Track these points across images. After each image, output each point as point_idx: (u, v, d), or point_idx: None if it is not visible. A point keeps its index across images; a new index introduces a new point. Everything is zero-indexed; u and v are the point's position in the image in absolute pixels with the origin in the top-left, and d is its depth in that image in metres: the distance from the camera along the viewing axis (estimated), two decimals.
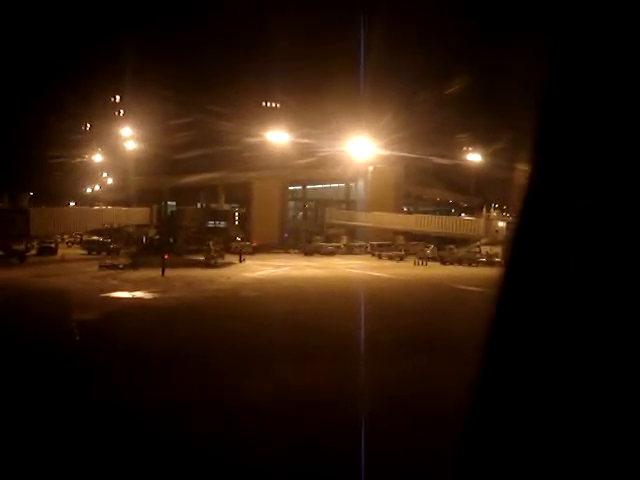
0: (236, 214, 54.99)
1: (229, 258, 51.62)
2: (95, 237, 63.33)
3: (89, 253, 57.45)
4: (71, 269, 41.92)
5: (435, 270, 46.54)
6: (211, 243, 53.06)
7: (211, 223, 53.76)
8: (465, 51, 66.99)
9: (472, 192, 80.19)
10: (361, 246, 67.79)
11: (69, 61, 72.59)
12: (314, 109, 72.08)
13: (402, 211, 79.54)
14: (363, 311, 21.83)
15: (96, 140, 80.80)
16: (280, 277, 38.14)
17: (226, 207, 59.43)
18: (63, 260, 50.16)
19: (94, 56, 72.40)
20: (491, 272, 43.44)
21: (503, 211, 67.01)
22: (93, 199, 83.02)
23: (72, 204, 78.91)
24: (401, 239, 70.47)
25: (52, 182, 73.80)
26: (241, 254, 52.51)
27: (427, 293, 30.42)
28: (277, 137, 66.80)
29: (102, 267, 43.10)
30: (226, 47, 76.74)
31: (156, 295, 28.66)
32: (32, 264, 46.51)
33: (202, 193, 64.99)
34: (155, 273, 37.77)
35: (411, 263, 53.06)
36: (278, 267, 46.04)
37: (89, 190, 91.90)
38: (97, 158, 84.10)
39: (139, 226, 63.93)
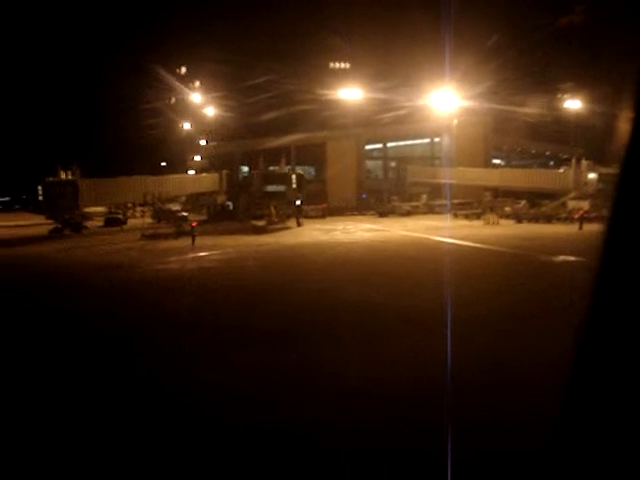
0: (293, 177, 52.55)
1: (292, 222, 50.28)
2: (171, 205, 63.24)
3: (159, 222, 57.19)
4: (114, 241, 41.23)
5: (499, 230, 42.60)
6: (272, 207, 51.36)
7: (272, 187, 51.49)
8: None
9: (572, 143, 73.98)
10: (442, 205, 63.94)
11: (141, 33, 71.91)
12: (391, 62, 68.59)
13: (491, 166, 74.47)
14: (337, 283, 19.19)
15: (181, 110, 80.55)
16: (313, 244, 35.59)
17: (290, 169, 57.00)
18: (122, 231, 50.05)
19: (168, 25, 71.76)
20: (560, 231, 39.62)
21: (599, 162, 61.26)
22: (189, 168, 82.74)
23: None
24: (488, 195, 66.27)
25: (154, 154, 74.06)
26: (298, 218, 50.71)
27: (453, 259, 27.07)
28: (351, 94, 63.94)
29: (144, 237, 42.22)
30: (295, 6, 73.80)
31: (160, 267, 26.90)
32: (84, 236, 46.51)
33: (274, 156, 63.00)
34: (197, 241, 36.29)
35: (487, 222, 49.33)
36: (330, 232, 43.65)
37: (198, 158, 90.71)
38: (186, 126, 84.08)
39: (204, 193, 62.95)
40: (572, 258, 23.32)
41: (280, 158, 58.84)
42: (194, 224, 38.86)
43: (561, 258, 24.53)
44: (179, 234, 41.13)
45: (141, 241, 40.39)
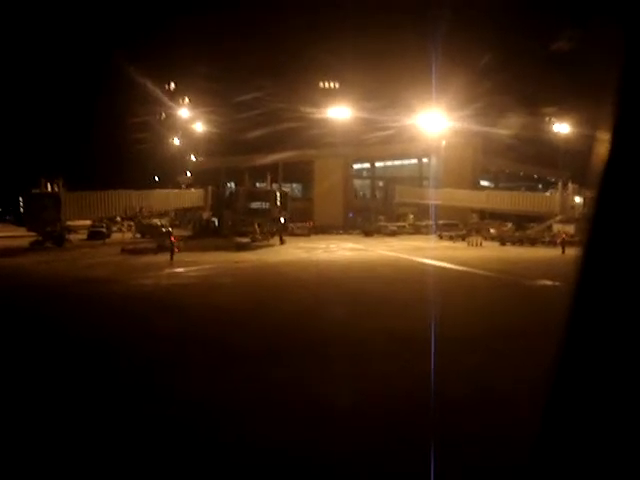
0: (277, 194, 52.46)
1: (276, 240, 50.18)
2: (157, 220, 63.10)
3: (143, 237, 56.90)
4: (93, 255, 40.88)
5: (481, 252, 42.44)
6: (256, 225, 51.20)
7: (256, 204, 51.44)
8: (546, 15, 61.95)
9: (560, 166, 74.15)
10: (428, 225, 63.95)
11: (131, 48, 71.92)
12: (381, 82, 68.66)
13: (479, 187, 74.54)
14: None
15: (170, 125, 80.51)
16: (292, 262, 35.38)
17: (275, 187, 57.00)
18: (104, 245, 49.71)
19: (158, 41, 71.80)
20: (543, 254, 39.52)
21: (585, 186, 61.43)
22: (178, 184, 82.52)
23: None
24: (474, 217, 66.43)
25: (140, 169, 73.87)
26: (282, 236, 50.52)
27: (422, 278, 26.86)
28: (340, 113, 64.02)
29: (124, 251, 41.88)
30: (286, 25, 73.86)
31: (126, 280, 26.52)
32: (65, 249, 46.06)
33: (262, 173, 62.87)
34: (177, 257, 36.04)
35: (471, 243, 49.32)
36: (311, 250, 43.47)
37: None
38: (176, 142, 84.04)
39: (191, 208, 62.78)
40: (547, 282, 23.16)
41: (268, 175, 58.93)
42: (173, 239, 38.48)
43: (536, 282, 24.35)
44: (160, 249, 40.74)
45: (120, 256, 40.01)
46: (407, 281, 25.40)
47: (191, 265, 32.82)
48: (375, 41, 69.42)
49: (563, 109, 68.24)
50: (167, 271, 30.44)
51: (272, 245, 48.52)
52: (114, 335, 13.86)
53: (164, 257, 36.52)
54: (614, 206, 1.66)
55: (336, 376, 10.01)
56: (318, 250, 43.35)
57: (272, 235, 51.72)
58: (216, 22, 69.17)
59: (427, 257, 35.94)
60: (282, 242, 49.67)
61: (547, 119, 70.49)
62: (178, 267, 32.05)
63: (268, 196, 52.10)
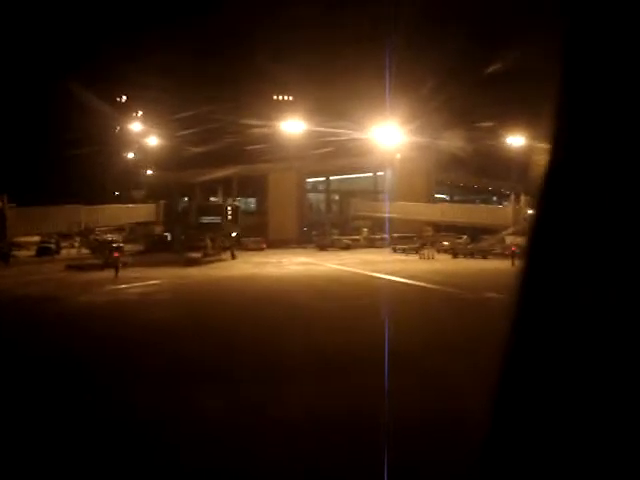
0: (229, 208, 52.04)
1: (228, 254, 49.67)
2: (110, 236, 62.21)
3: (93, 252, 55.85)
4: (37, 271, 39.89)
5: (431, 265, 42.45)
6: (208, 239, 50.65)
7: (207, 219, 50.94)
8: (497, 29, 62.65)
9: (514, 178, 74.86)
10: (383, 239, 63.94)
11: (81, 60, 70.86)
12: (335, 95, 68.67)
13: (434, 200, 74.85)
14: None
15: (124, 140, 79.38)
16: (238, 277, 35.06)
17: (226, 201, 56.64)
18: (52, 261, 48.63)
19: (111, 54, 70.88)
20: (492, 266, 39.58)
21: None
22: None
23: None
24: (429, 230, 66.64)
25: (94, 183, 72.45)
26: (233, 251, 49.99)
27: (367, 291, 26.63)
28: (293, 127, 63.77)
29: (70, 267, 40.98)
30: (239, 39, 73.68)
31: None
32: (9, 266, 44.90)
33: (215, 187, 62.46)
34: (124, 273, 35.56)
35: (423, 256, 49.31)
36: (262, 265, 43.04)
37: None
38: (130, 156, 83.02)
39: (146, 223, 61.97)
40: (492, 294, 22.99)
41: (223, 189, 58.60)
42: (116, 255, 37.81)
43: (480, 294, 24.23)
44: (106, 265, 39.93)
45: (64, 272, 39.12)
46: (350, 295, 25.14)
47: (134, 281, 32.19)
48: (329, 54, 69.55)
49: (516, 122, 68.87)
50: (108, 288, 29.81)
51: (223, 260, 47.97)
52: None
53: (109, 273, 35.87)
54: (552, 216, 1.68)
55: (241, 398, 9.61)
56: (268, 265, 42.92)
57: (224, 250, 51.15)
58: (168, 35, 68.57)
59: (376, 270, 35.77)
60: (233, 257, 49.13)
61: (501, 132, 71.05)
62: (120, 284, 31.45)
63: (219, 210, 51.67)
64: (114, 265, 36.63)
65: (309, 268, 40.07)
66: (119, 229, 68.98)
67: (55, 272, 38.88)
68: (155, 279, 33.35)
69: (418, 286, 28.07)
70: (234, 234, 52.68)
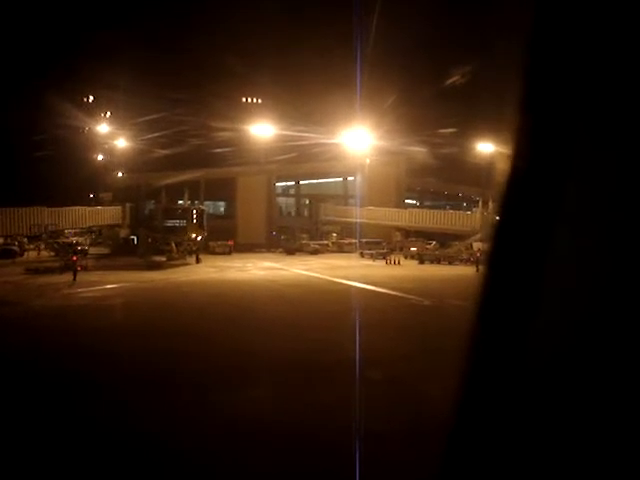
0: (194, 212, 51.50)
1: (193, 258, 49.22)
2: (75, 239, 61.34)
3: (57, 255, 54.96)
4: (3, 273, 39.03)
5: (396, 271, 42.37)
6: (173, 243, 50.07)
7: (172, 222, 50.37)
8: (467, 37, 62.96)
9: (483, 184, 75.03)
10: (352, 244, 63.62)
11: (52, 59, 69.85)
12: (305, 99, 68.55)
13: (404, 206, 74.64)
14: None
15: (92, 141, 78.39)
16: (199, 281, 34.70)
17: (192, 205, 56.09)
18: (12, 264, 47.63)
19: (77, 54, 70.08)
20: (457, 272, 39.54)
21: None
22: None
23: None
24: (398, 235, 66.52)
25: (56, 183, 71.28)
26: (197, 255, 49.39)
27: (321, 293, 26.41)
28: (262, 130, 63.30)
29: (29, 270, 40.15)
30: (209, 41, 73.21)
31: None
32: None
33: (184, 191, 61.66)
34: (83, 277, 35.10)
35: (389, 262, 49.19)
36: (225, 269, 42.61)
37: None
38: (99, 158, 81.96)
39: (113, 226, 61.14)
40: (453, 301, 22.77)
41: (190, 192, 58.02)
42: (75, 258, 37.17)
43: (439, 301, 24.13)
44: (65, 268, 39.18)
45: (22, 275, 38.31)
46: (308, 300, 25.00)
47: (92, 285, 31.69)
48: (299, 57, 69.39)
49: (487, 128, 69.05)
50: (63, 292, 29.35)
51: (187, 264, 47.34)
52: None
53: (68, 277, 35.26)
54: (512, 222, 1.69)
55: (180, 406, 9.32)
56: (232, 269, 42.45)
57: (190, 254, 50.53)
58: (136, 36, 68.00)
59: (338, 276, 35.53)
60: (198, 261, 48.48)
61: (472, 138, 71.17)
62: (77, 287, 31.12)
63: (184, 214, 51.06)
64: (73, 268, 36.02)
65: (274, 273, 39.72)
66: (88, 232, 68.16)
67: (13, 275, 38.02)
68: (113, 283, 32.84)
69: (376, 292, 27.91)
70: (199, 238, 52.03)
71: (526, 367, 1.63)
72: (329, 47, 66.41)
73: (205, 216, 54.67)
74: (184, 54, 70.60)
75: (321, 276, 36.57)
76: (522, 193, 1.68)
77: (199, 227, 51.68)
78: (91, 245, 66.42)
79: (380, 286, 29.51)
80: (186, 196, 54.56)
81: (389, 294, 27.09)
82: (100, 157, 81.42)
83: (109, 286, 31.53)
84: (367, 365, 11.98)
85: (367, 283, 30.84)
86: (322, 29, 67.92)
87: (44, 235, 52.43)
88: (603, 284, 1.54)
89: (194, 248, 51.22)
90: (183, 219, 50.57)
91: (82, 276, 36.07)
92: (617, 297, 1.51)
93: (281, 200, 78.72)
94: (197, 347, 14.75)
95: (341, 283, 32.24)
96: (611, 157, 1.55)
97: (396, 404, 9.75)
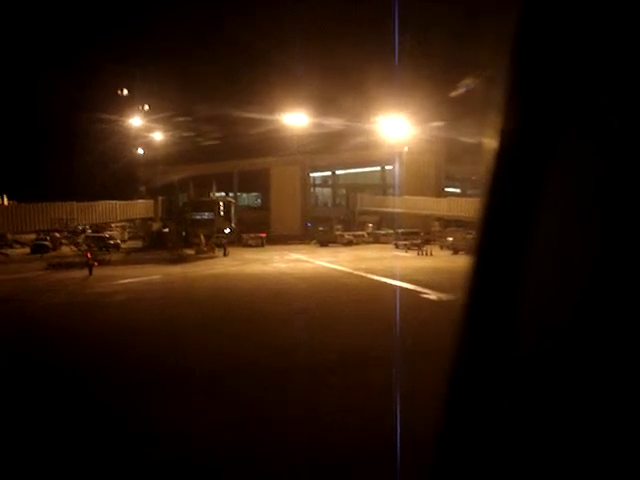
0: (221, 204, 50.78)
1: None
2: (108, 233, 61.69)
3: (89, 249, 55.04)
4: (17, 270, 38.85)
5: (425, 262, 40.78)
6: (202, 236, 49.52)
7: (200, 215, 49.88)
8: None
9: None
10: (389, 234, 62.03)
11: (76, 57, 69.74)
12: (340, 88, 66.99)
13: (443, 195, 72.62)
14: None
15: (129, 135, 78.28)
16: (215, 275, 33.92)
17: (220, 197, 55.36)
18: (40, 259, 47.67)
19: (112, 47, 70.03)
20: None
21: None
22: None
23: None
24: (436, 225, 64.61)
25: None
26: (225, 248, 48.69)
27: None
28: (296, 120, 62.06)
29: (50, 266, 39.97)
30: (241, 26, 72.14)
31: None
32: None
33: (218, 182, 60.98)
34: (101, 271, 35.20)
35: (421, 253, 47.61)
36: (249, 262, 41.70)
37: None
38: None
39: (144, 219, 60.99)
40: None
41: (224, 184, 57.35)
42: (89, 255, 36.85)
43: (447, 295, 22.64)
44: (87, 263, 38.89)
45: (43, 271, 38.13)
46: (309, 297, 23.77)
47: (103, 281, 31.65)
48: (336, 42, 67.92)
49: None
50: (69, 289, 28.91)
51: (214, 257, 46.74)
52: None
53: (87, 272, 35.04)
54: (496, 212, 1.57)
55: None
56: (256, 262, 41.39)
57: (220, 247, 49.91)
58: (172, 26, 67.50)
59: (360, 268, 34.24)
60: (225, 254, 47.78)
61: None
62: (87, 284, 30.78)
63: (211, 206, 50.37)
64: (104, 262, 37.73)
65: (295, 266, 38.65)
66: (123, 226, 68.43)
67: (33, 270, 37.89)
68: (127, 278, 32.36)
69: (391, 285, 26.56)
70: (227, 231, 51.32)
71: (512, 360, 1.53)
72: (366, 29, 64.66)
73: (233, 209, 53.94)
74: (218, 42, 69.65)
75: (342, 268, 35.38)
76: (506, 181, 1.54)
77: (226, 220, 51.00)
78: (130, 239, 66.82)
79: (400, 279, 28.06)
80: (214, 188, 53.75)
81: (400, 287, 25.67)
82: (139, 150, 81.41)
83: (121, 282, 31.05)
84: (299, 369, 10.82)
85: (386, 276, 29.45)
86: (359, 11, 66.12)
87: (65, 231, 52.38)
88: (586, 275, 1.41)
89: (224, 241, 50.59)
90: (210, 212, 49.91)
91: (102, 271, 36.00)
92: (603, 287, 1.38)
93: (317, 191, 77.52)
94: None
95: (358, 276, 31.04)
96: (596, 146, 1.41)
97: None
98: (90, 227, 62.92)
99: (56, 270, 38.20)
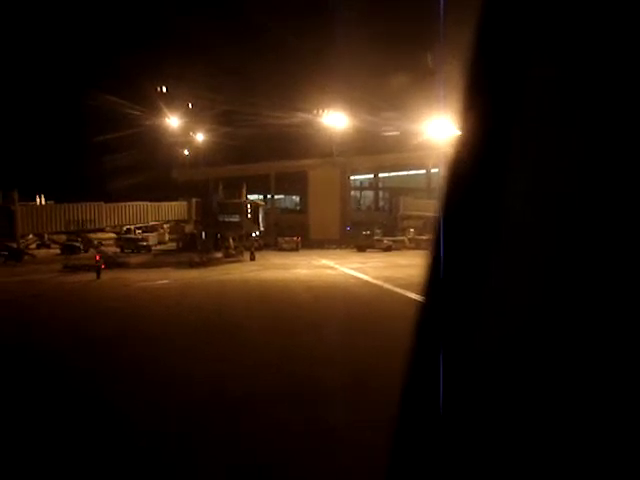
0: (248, 207, 49.08)
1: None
2: (141, 235, 60.83)
3: (122, 251, 54.29)
4: (34, 271, 37.98)
5: None
6: (230, 239, 48.03)
7: (226, 217, 48.38)
8: None
9: None
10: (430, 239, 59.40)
11: (118, 55, 68.96)
12: (383, 88, 64.56)
13: None
14: None
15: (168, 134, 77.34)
16: (229, 281, 32.54)
17: (248, 199, 53.68)
18: (66, 259, 46.82)
19: (150, 47, 69.26)
20: None
21: None
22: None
23: None
24: None
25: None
26: (252, 252, 46.99)
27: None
28: (337, 121, 59.96)
29: (66, 267, 38.95)
30: (283, 32, 70.41)
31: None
32: (17, 265, 43.25)
33: (256, 184, 59.58)
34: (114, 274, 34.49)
35: None
36: (271, 268, 39.91)
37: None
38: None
39: (178, 221, 59.88)
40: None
41: (261, 186, 55.75)
42: (97, 258, 35.70)
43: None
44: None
45: (55, 273, 37.15)
46: (303, 311, 21.86)
47: (110, 283, 30.69)
48: (377, 42, 65.50)
49: None
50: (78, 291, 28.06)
51: (240, 261, 45.16)
52: None
53: (104, 275, 34.12)
54: (455, 212, 1.64)
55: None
56: (279, 268, 39.42)
57: (247, 250, 48.25)
58: (212, 29, 66.20)
59: (381, 277, 32.21)
60: (252, 258, 46.04)
61: None
62: (92, 287, 29.74)
63: (238, 209, 48.68)
64: (119, 265, 38.10)
65: (315, 272, 36.68)
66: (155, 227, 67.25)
67: (47, 272, 36.97)
68: (140, 281, 31.85)
69: (407, 298, 24.30)
70: (254, 234, 49.67)
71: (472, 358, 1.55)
72: (412, 29, 62.08)
73: (262, 211, 52.20)
74: (261, 46, 68.00)
75: (362, 276, 33.47)
76: (465, 182, 1.60)
77: (253, 223, 49.30)
78: (172, 240, 65.71)
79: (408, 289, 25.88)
80: (245, 190, 52.01)
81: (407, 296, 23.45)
82: (184, 151, 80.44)
83: (131, 285, 30.52)
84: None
85: (401, 287, 27.13)
86: (402, 9, 63.57)
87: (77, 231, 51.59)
88: (546, 278, 1.47)
89: (254, 244, 49.11)
90: (237, 214, 48.25)
91: (114, 274, 34.90)
92: (567, 286, 1.44)
93: (360, 194, 75.27)
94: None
95: (375, 285, 29.12)
96: (558, 146, 1.49)
97: None
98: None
99: (70, 272, 37.12)
